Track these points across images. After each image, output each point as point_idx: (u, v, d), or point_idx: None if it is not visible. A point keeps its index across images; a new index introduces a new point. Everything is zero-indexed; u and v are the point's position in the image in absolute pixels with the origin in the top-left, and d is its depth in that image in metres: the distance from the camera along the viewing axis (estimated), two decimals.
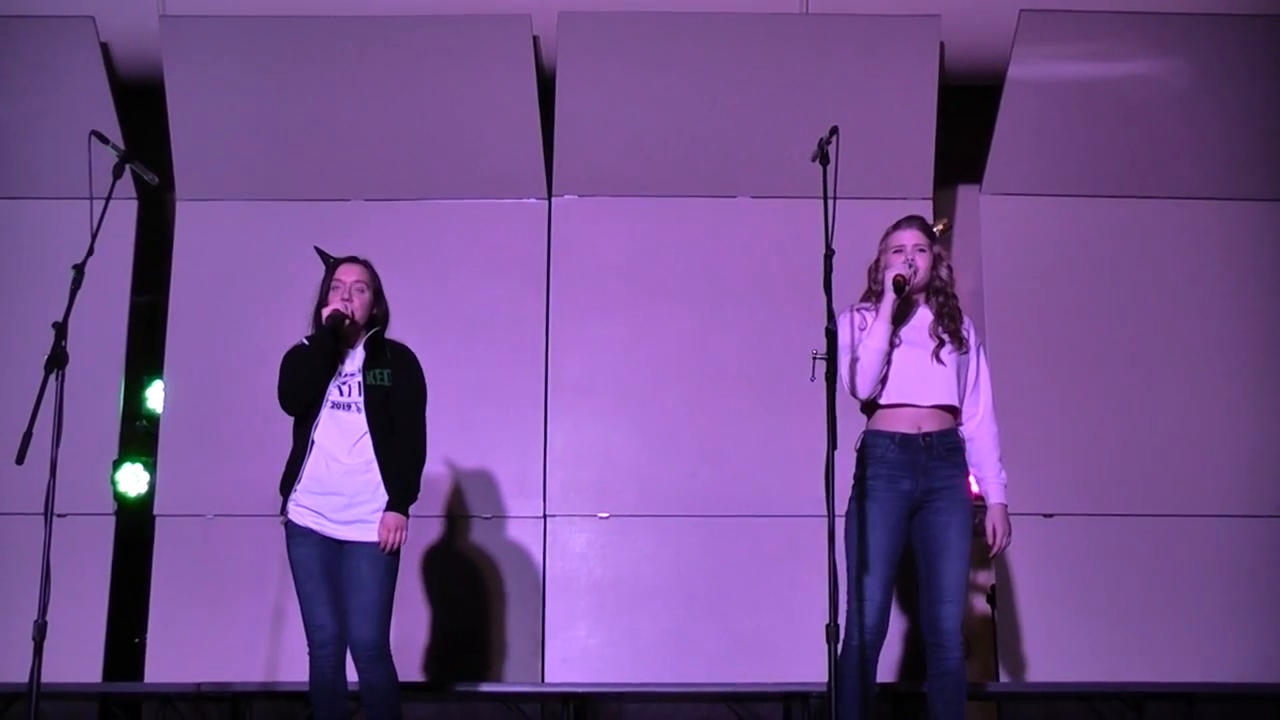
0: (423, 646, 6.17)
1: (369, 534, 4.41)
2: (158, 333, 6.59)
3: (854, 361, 4.26)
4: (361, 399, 4.48)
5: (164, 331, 6.55)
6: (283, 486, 4.51)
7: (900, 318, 4.31)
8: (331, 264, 4.62)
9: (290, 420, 4.57)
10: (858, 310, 4.37)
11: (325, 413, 4.47)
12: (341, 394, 4.50)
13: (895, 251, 4.36)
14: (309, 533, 4.45)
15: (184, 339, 6.52)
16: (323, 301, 4.54)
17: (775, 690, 5.89)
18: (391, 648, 4.47)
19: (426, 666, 6.15)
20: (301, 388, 4.48)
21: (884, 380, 4.28)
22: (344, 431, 4.47)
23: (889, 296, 4.24)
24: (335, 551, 4.45)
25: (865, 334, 4.26)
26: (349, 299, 4.50)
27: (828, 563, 3.80)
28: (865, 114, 6.20)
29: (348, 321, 4.48)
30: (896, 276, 4.23)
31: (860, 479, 4.31)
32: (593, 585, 6.31)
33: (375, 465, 4.45)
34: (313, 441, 4.46)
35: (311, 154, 6.57)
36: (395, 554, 4.46)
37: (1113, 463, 6.39)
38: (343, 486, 4.43)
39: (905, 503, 4.26)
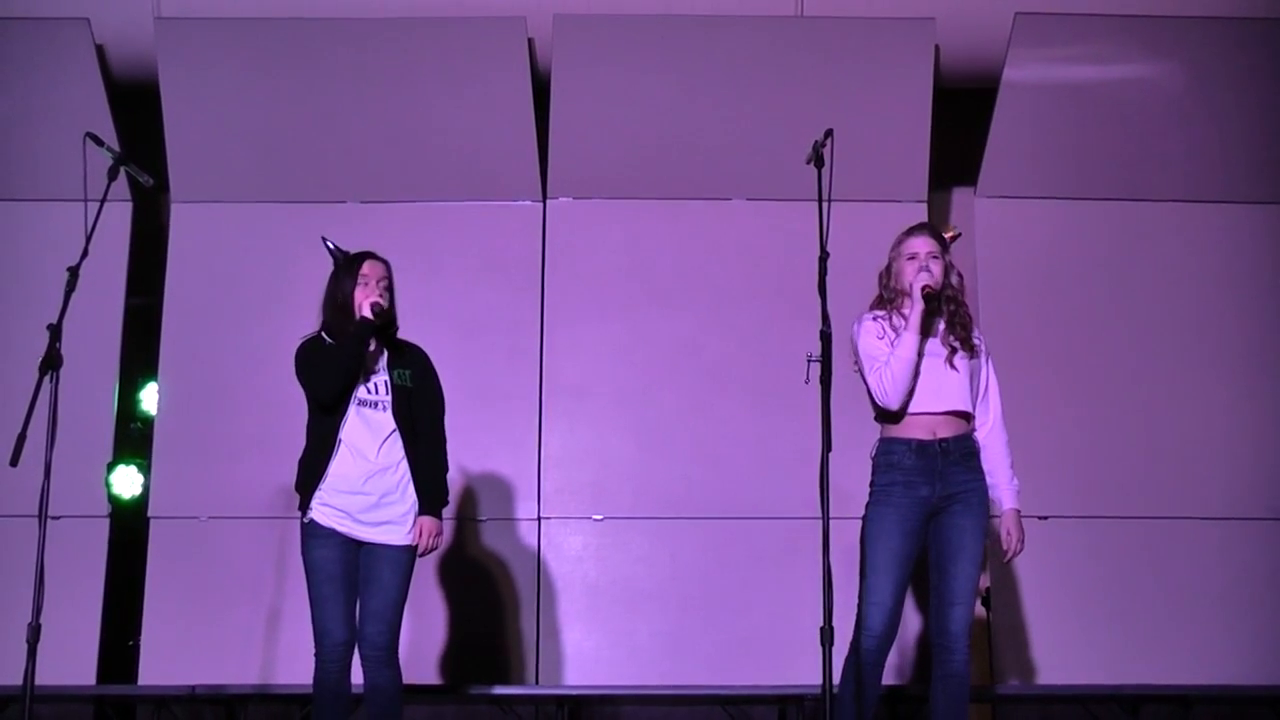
0: (418, 649, 6.16)
1: (395, 536, 4.41)
2: (152, 335, 6.59)
3: (881, 371, 4.25)
4: (389, 398, 4.45)
5: (159, 333, 6.54)
6: (304, 486, 4.44)
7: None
8: (351, 257, 4.56)
9: (297, 418, 4.53)
10: (875, 319, 4.36)
11: (353, 410, 4.42)
12: (369, 392, 4.45)
13: (909, 259, 4.34)
14: (332, 534, 4.38)
15: (178, 341, 6.52)
16: (340, 294, 4.48)
17: (770, 693, 5.88)
18: None
19: (422, 669, 6.15)
20: (339, 381, 4.38)
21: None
22: (372, 430, 4.42)
23: (918, 307, 4.21)
24: (354, 553, 4.41)
25: (894, 346, 4.24)
26: (381, 295, 4.47)
27: (822, 565, 3.80)
28: (860, 117, 6.23)
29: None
30: (926, 288, 4.20)
31: (876, 485, 4.32)
32: (588, 587, 6.31)
33: (405, 464, 4.44)
34: (340, 440, 4.41)
35: (307, 156, 6.57)
36: (413, 559, 4.46)
37: (1108, 465, 6.41)
38: (373, 486, 4.39)
39: (923, 509, 4.26)
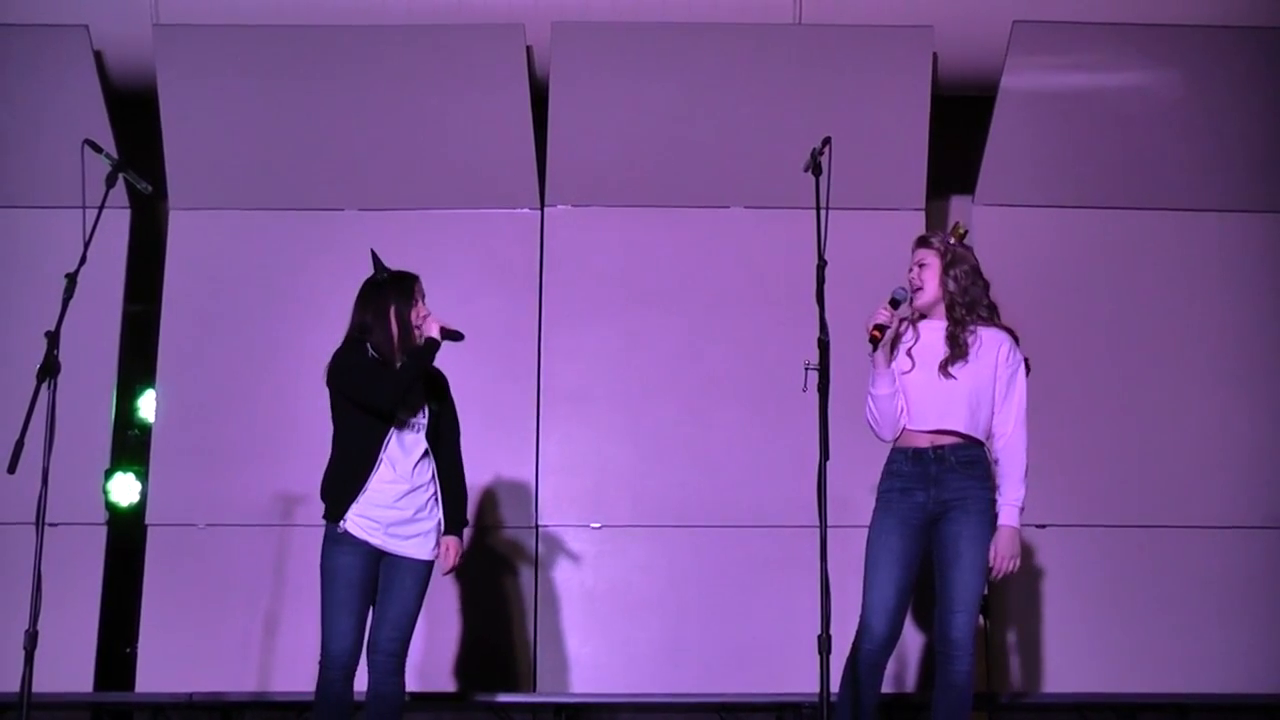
0: (416, 656, 6.12)
1: (421, 550, 4.56)
2: (150, 342, 6.58)
3: (869, 411, 4.38)
4: (424, 420, 4.60)
5: (157, 340, 6.54)
6: (338, 498, 4.48)
7: (910, 339, 4.38)
8: (399, 275, 4.64)
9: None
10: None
11: (394, 431, 4.53)
12: (413, 415, 4.60)
13: (909, 272, 4.46)
14: (361, 543, 4.46)
15: (176, 348, 6.51)
16: (399, 311, 4.55)
17: (767, 700, 5.88)
18: None
19: (419, 676, 6.13)
20: (399, 392, 4.47)
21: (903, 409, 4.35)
22: (407, 451, 4.55)
23: (875, 351, 4.29)
24: (376, 562, 4.51)
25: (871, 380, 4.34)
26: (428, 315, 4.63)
27: (820, 573, 3.80)
28: (858, 124, 6.23)
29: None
30: (873, 329, 4.24)
31: (879, 492, 4.39)
32: (585, 595, 6.31)
33: (436, 483, 4.61)
34: (380, 459, 4.50)
35: (305, 163, 6.57)
36: (430, 573, 4.60)
37: (1105, 474, 6.41)
38: (407, 503, 4.52)
39: (920, 514, 4.29)
